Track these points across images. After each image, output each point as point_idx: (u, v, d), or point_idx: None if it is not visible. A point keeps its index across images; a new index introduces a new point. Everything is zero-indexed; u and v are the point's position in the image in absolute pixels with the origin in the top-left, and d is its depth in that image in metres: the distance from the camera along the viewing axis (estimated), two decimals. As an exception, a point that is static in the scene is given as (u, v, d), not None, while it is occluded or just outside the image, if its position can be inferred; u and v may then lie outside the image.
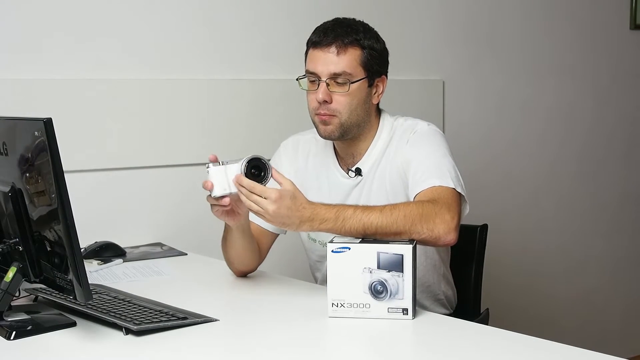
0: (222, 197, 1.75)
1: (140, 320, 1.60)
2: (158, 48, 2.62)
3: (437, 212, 1.77)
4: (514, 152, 3.51)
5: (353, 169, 2.07)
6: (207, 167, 1.75)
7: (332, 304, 1.66)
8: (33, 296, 1.85)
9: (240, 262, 2.05)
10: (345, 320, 1.65)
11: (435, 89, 3.24)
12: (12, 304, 1.67)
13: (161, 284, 2.07)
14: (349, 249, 1.65)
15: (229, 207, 1.80)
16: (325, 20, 2.03)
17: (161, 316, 1.65)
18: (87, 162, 2.48)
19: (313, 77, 1.97)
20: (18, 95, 2.37)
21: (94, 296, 1.76)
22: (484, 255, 2.29)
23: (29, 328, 1.60)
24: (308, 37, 2.01)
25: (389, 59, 2.06)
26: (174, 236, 2.59)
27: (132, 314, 1.65)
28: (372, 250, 1.64)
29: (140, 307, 1.71)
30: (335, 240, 1.69)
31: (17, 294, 1.68)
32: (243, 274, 2.08)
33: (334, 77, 1.94)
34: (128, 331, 1.57)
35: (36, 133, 1.51)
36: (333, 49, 1.95)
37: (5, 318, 1.63)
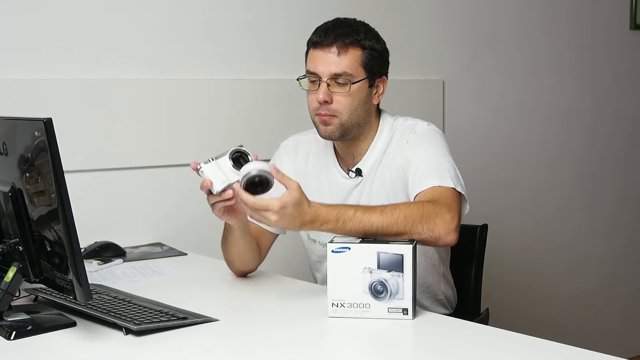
0: (224, 190, 1.74)
1: (140, 320, 1.60)
2: (158, 48, 2.62)
3: (437, 212, 1.76)
4: (514, 151, 3.51)
5: (353, 169, 2.07)
6: (199, 168, 1.74)
7: (332, 304, 1.66)
8: (33, 296, 1.85)
9: (240, 262, 2.05)
10: (345, 320, 1.65)
11: (435, 89, 3.24)
12: (12, 304, 1.67)
13: (161, 284, 2.07)
14: (349, 249, 1.65)
15: (234, 200, 1.75)
16: (325, 20, 2.03)
17: (161, 316, 1.65)
18: (87, 162, 2.48)
19: (313, 77, 1.97)
20: (18, 95, 2.37)
21: (94, 296, 1.76)
22: (484, 255, 2.29)
23: (29, 328, 1.60)
24: (308, 37, 2.01)
25: (389, 59, 2.06)
26: (174, 236, 2.59)
27: (132, 314, 1.65)
28: (372, 250, 1.64)
29: (140, 307, 1.71)
30: (335, 240, 1.69)
31: (17, 294, 1.68)
32: (243, 274, 2.08)
33: (335, 77, 1.94)
34: (128, 331, 1.57)
35: (36, 133, 1.51)
36: (334, 49, 1.95)
37: (5, 318, 1.63)
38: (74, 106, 2.45)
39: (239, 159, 1.73)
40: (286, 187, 1.68)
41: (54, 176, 1.47)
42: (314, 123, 2.01)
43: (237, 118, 2.75)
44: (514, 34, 3.46)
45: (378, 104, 2.07)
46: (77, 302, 1.65)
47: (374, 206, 1.76)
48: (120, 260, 2.31)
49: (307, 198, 1.71)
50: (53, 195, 1.49)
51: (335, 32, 1.96)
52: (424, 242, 1.77)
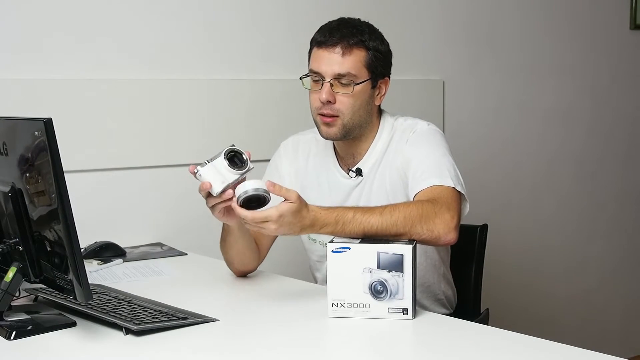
0: (223, 191, 1.74)
1: (140, 320, 1.60)
2: (158, 48, 2.62)
3: (436, 212, 1.76)
4: (514, 151, 3.51)
5: (354, 169, 2.07)
6: (196, 171, 1.75)
7: (332, 304, 1.66)
8: (33, 296, 1.85)
9: (240, 262, 2.04)
10: (345, 320, 1.65)
11: (435, 89, 3.24)
12: (12, 304, 1.67)
13: (161, 284, 2.07)
14: (349, 249, 1.65)
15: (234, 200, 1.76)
16: (325, 20, 2.03)
17: (161, 316, 1.65)
18: (87, 162, 2.48)
19: (317, 77, 1.97)
20: (18, 95, 2.37)
21: (94, 296, 1.76)
22: (484, 255, 2.29)
23: (29, 328, 1.60)
24: (310, 37, 2.01)
25: (390, 59, 2.06)
26: (174, 236, 2.59)
27: (132, 314, 1.65)
28: (372, 250, 1.64)
29: (140, 307, 1.71)
30: (335, 240, 1.69)
31: (17, 294, 1.68)
32: (243, 274, 2.08)
33: (338, 77, 1.94)
34: (128, 331, 1.57)
35: (36, 133, 1.51)
36: (338, 49, 1.94)
37: (5, 318, 1.63)
38: (74, 106, 2.45)
39: (233, 158, 1.74)
40: (285, 198, 1.68)
41: (54, 176, 1.47)
42: (316, 123, 2.01)
43: (237, 118, 2.75)
44: (514, 34, 3.46)
45: (379, 105, 2.07)
46: (77, 302, 1.65)
47: (373, 207, 1.76)
48: (120, 260, 2.31)
49: (306, 204, 1.71)
50: (53, 195, 1.49)
51: (340, 32, 1.95)
52: (424, 242, 1.77)
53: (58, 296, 1.76)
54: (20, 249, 1.63)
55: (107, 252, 2.36)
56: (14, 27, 2.39)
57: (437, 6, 3.22)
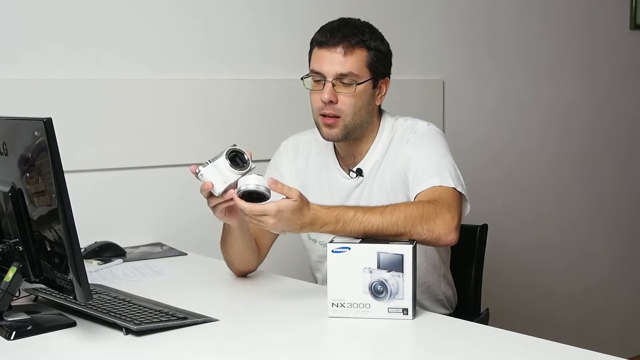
0: (225, 191, 1.74)
1: (140, 320, 1.60)
2: (158, 48, 2.62)
3: (437, 212, 1.76)
4: (514, 151, 3.51)
5: (354, 169, 2.07)
6: (198, 171, 1.75)
7: (332, 304, 1.66)
8: (33, 296, 1.85)
9: (240, 262, 2.04)
10: (345, 320, 1.65)
11: (435, 89, 3.24)
12: (12, 304, 1.67)
13: (161, 284, 2.07)
14: (349, 249, 1.65)
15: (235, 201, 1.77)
16: (325, 20, 2.03)
17: (161, 316, 1.65)
18: (87, 162, 2.48)
19: (318, 77, 1.97)
20: (18, 95, 2.37)
21: (94, 296, 1.76)
22: (484, 255, 2.29)
23: (29, 328, 1.60)
24: (310, 37, 2.01)
25: (390, 59, 2.06)
26: (174, 236, 2.59)
27: (132, 314, 1.65)
28: (372, 250, 1.64)
29: (140, 307, 1.71)
30: (336, 240, 1.69)
31: (17, 294, 1.68)
32: (243, 274, 2.08)
33: (340, 77, 1.94)
34: (128, 331, 1.57)
35: (36, 133, 1.51)
36: (340, 49, 1.94)
37: (5, 318, 1.63)
38: (74, 106, 2.45)
39: (235, 157, 1.74)
40: (287, 197, 1.68)
41: (54, 176, 1.47)
42: (317, 124, 2.01)
43: (237, 118, 2.75)
44: (514, 34, 3.46)
45: (380, 105, 2.07)
46: (77, 302, 1.65)
47: (373, 207, 1.76)
48: (120, 260, 2.31)
49: (307, 202, 1.71)
50: (53, 196, 1.49)
51: (341, 32, 1.95)
52: (424, 242, 1.77)
53: (58, 296, 1.76)
54: (20, 249, 1.63)
55: (107, 252, 2.36)
56: (14, 27, 2.39)
57: (436, 6, 3.23)
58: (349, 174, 2.08)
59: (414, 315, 1.66)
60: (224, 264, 2.07)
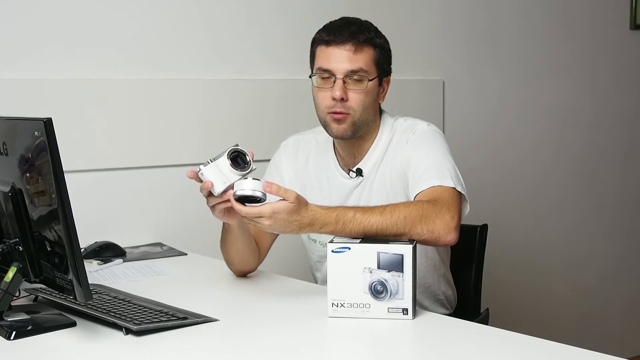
0: (225, 191, 1.75)
1: (140, 320, 1.60)
2: (158, 48, 2.62)
3: (437, 212, 1.76)
4: (514, 151, 3.51)
5: (354, 169, 2.07)
6: (199, 171, 1.75)
7: (332, 304, 1.66)
8: (33, 296, 1.85)
9: (240, 262, 2.04)
10: (345, 320, 1.65)
11: (435, 89, 3.24)
12: (12, 304, 1.67)
13: (161, 284, 2.07)
14: (349, 249, 1.65)
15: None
16: (325, 20, 2.03)
17: (161, 316, 1.65)
18: (87, 162, 2.48)
19: (326, 75, 1.96)
20: (18, 95, 2.37)
21: (94, 296, 1.76)
22: (484, 255, 2.29)
23: (29, 328, 1.60)
24: (310, 37, 2.01)
25: (390, 58, 2.07)
26: (174, 236, 2.59)
27: (132, 314, 1.65)
28: (372, 250, 1.64)
29: (140, 307, 1.71)
30: (335, 240, 1.69)
31: (17, 294, 1.68)
32: (243, 274, 2.08)
33: (350, 74, 1.94)
34: (128, 331, 1.57)
35: (36, 133, 1.51)
36: (350, 46, 1.94)
37: (5, 318, 1.63)
38: (74, 106, 2.45)
39: (236, 158, 1.74)
40: (283, 198, 1.68)
41: (54, 176, 1.47)
42: (324, 121, 2.00)
43: (237, 118, 2.75)
44: (514, 34, 3.46)
45: (381, 104, 2.07)
46: (77, 302, 1.65)
47: (373, 207, 1.76)
48: (120, 260, 2.31)
49: (305, 203, 1.71)
50: (53, 196, 1.49)
51: (349, 30, 1.95)
52: (424, 242, 1.77)
53: (58, 296, 1.76)
54: (20, 249, 1.63)
55: (107, 252, 2.36)
56: (14, 27, 2.38)
57: (437, 6, 3.23)
58: (348, 174, 2.08)
59: (414, 315, 1.66)
60: (224, 264, 2.07)
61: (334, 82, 1.94)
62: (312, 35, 2.03)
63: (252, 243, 2.02)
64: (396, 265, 1.63)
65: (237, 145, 1.76)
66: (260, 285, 2.03)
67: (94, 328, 1.63)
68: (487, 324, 2.07)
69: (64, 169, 1.49)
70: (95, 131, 2.50)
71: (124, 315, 1.63)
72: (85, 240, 2.26)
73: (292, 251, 2.36)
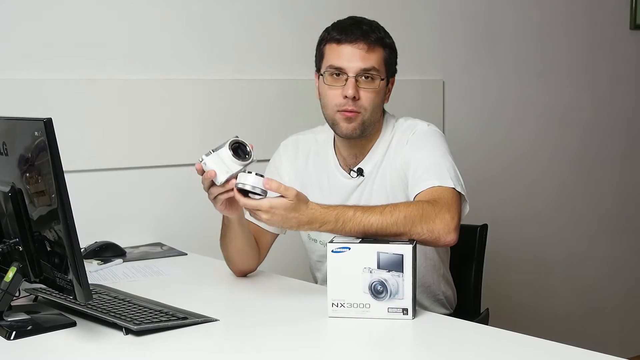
0: (227, 181, 1.75)
1: (140, 320, 1.60)
2: (158, 48, 2.62)
3: (436, 212, 1.76)
4: (514, 151, 3.51)
5: (355, 169, 2.07)
6: (201, 160, 1.76)
7: (332, 304, 1.66)
8: (33, 296, 1.85)
9: (239, 259, 2.04)
10: (345, 320, 1.65)
11: (435, 89, 3.24)
12: (12, 304, 1.67)
13: (161, 284, 2.07)
14: (349, 249, 1.65)
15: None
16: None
17: (161, 316, 1.65)
18: (87, 162, 2.48)
19: (337, 73, 1.96)
20: (18, 95, 2.37)
21: (94, 296, 1.76)
22: (484, 255, 2.29)
23: (29, 328, 1.60)
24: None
25: (390, 58, 2.07)
26: (174, 236, 2.59)
27: (132, 314, 1.65)
28: (372, 250, 1.64)
29: (140, 307, 1.71)
30: (335, 240, 1.69)
31: (17, 294, 1.68)
32: (243, 274, 2.08)
33: (362, 73, 1.94)
34: (128, 331, 1.57)
35: (36, 133, 1.51)
36: (362, 45, 1.94)
37: (5, 318, 1.63)
38: (74, 106, 2.45)
39: (237, 149, 1.76)
40: (283, 196, 1.69)
41: (54, 176, 1.47)
42: (333, 120, 1.99)
43: (237, 118, 2.75)
44: (514, 34, 3.46)
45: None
46: (77, 302, 1.65)
47: (373, 206, 1.76)
48: (120, 260, 2.31)
49: (305, 201, 1.71)
50: (53, 196, 1.49)
51: (360, 29, 1.95)
52: (424, 243, 1.77)
53: (58, 296, 1.76)
54: (20, 249, 1.63)
55: (107, 252, 2.36)
56: (14, 27, 2.38)
57: (436, 6, 3.22)
58: (349, 174, 2.08)
59: (414, 315, 1.66)
60: (224, 264, 2.07)
61: (346, 80, 1.94)
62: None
63: (251, 240, 2.02)
64: (396, 265, 1.63)
65: (237, 136, 1.77)
66: (260, 285, 2.03)
67: (94, 328, 1.63)
68: (487, 324, 2.07)
69: (64, 169, 1.49)
70: (95, 131, 2.50)
71: (124, 315, 1.63)
72: (85, 240, 2.26)
73: (292, 251, 2.36)
